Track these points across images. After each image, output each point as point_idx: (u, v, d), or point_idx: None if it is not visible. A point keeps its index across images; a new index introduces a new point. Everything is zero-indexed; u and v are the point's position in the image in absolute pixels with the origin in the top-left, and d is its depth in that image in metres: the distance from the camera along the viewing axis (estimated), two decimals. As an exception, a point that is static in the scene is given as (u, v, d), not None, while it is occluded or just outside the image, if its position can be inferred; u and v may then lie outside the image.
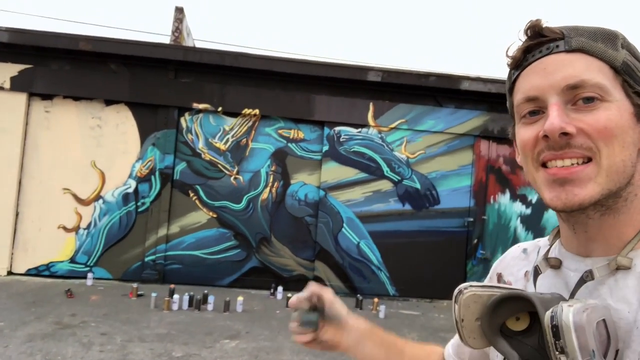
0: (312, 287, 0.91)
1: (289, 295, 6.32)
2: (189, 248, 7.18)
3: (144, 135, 7.22)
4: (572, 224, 0.64)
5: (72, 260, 6.99)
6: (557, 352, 0.51)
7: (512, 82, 0.68)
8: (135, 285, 6.22)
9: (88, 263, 7.00)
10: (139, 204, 7.13)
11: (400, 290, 7.32)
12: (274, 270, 7.23)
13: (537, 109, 0.63)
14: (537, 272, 0.68)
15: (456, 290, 0.64)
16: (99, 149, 7.15)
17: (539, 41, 0.63)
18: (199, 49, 8.36)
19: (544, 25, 0.63)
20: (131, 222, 7.11)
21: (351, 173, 7.46)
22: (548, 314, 0.53)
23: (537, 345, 0.58)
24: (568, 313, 0.50)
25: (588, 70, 0.59)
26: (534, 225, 7.56)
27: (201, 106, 7.25)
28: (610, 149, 0.58)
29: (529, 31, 0.64)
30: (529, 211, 7.58)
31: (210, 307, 5.84)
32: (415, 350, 0.94)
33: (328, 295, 0.92)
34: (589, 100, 0.59)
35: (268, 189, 7.35)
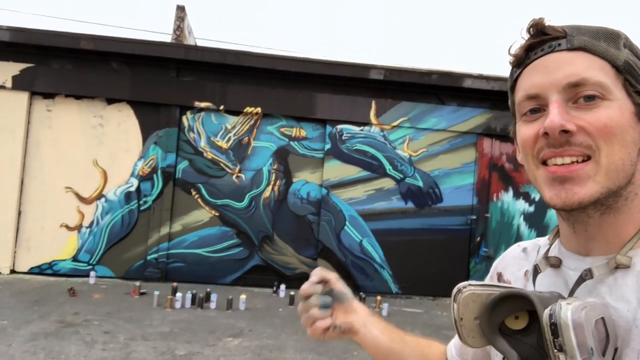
0: (319, 272, 0.92)
1: (292, 293, 6.32)
2: (192, 246, 7.18)
3: (145, 133, 7.22)
4: (572, 223, 0.64)
5: (75, 258, 7.00)
6: (555, 350, 0.51)
7: (514, 80, 0.68)
8: (137, 283, 6.22)
9: (90, 261, 7.00)
10: (141, 202, 7.13)
11: (403, 288, 7.31)
12: (276, 269, 7.22)
13: (538, 107, 0.63)
14: (536, 271, 0.68)
15: (455, 289, 0.63)
16: (100, 148, 7.15)
17: (542, 39, 0.63)
18: (201, 48, 8.36)
19: (546, 24, 0.63)
20: (133, 221, 7.11)
21: (353, 171, 7.44)
22: (546, 311, 0.53)
23: (536, 344, 0.58)
24: (567, 311, 0.50)
25: (590, 68, 0.60)
26: (537, 223, 7.54)
27: (203, 105, 7.24)
28: (609, 148, 0.58)
29: (531, 29, 0.64)
30: (532, 209, 7.56)
31: (213, 305, 5.84)
32: (416, 340, 0.95)
33: (332, 276, 0.93)
34: (590, 98, 0.59)
35: (270, 187, 7.34)
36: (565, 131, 0.59)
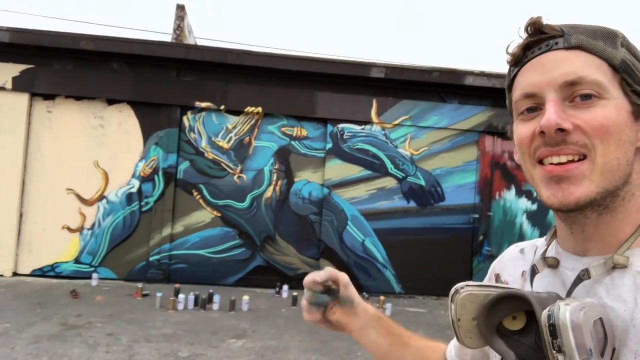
0: (329, 271, 0.92)
1: (294, 293, 6.31)
2: (194, 247, 7.16)
3: (146, 134, 7.20)
4: (570, 224, 0.64)
5: (77, 260, 6.98)
6: (554, 351, 0.51)
7: (512, 79, 0.68)
8: (140, 285, 6.20)
9: (92, 263, 6.99)
10: (142, 203, 7.11)
11: (406, 288, 7.29)
12: (278, 269, 7.21)
13: (535, 106, 0.63)
14: (534, 271, 0.68)
15: (452, 290, 0.64)
16: (101, 149, 7.12)
17: (539, 38, 0.63)
18: (201, 47, 8.33)
19: (544, 23, 0.63)
20: (135, 222, 7.09)
21: (355, 170, 7.42)
22: (545, 312, 0.52)
23: (534, 344, 0.58)
24: (565, 312, 0.50)
25: (586, 67, 0.60)
26: (540, 221, 7.52)
27: (203, 104, 7.21)
28: (605, 147, 0.58)
29: (529, 28, 0.64)
30: (534, 207, 7.54)
31: (215, 306, 5.82)
32: (420, 344, 0.95)
33: (343, 279, 0.93)
34: (587, 97, 0.59)
35: (272, 187, 7.32)
36: (562, 130, 0.59)
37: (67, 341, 4.37)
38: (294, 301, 6.20)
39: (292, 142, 7.41)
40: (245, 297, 5.91)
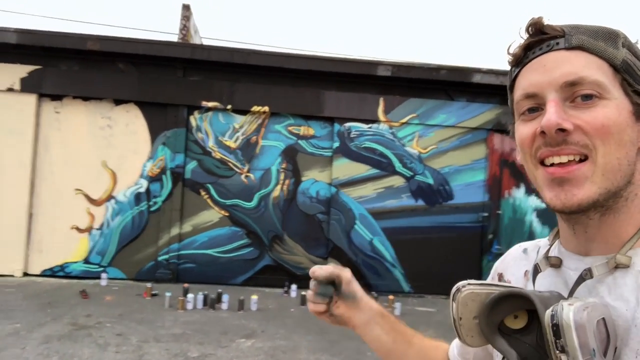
0: (332, 267, 0.92)
1: (303, 293, 6.29)
2: (202, 247, 7.16)
3: (154, 134, 7.21)
4: (573, 225, 0.64)
5: (86, 260, 7.01)
6: (557, 351, 0.51)
7: (513, 79, 0.68)
8: (149, 285, 6.21)
9: (102, 263, 7.01)
10: (150, 203, 7.12)
11: (415, 287, 7.25)
12: (287, 268, 7.19)
13: (536, 106, 0.63)
14: (536, 270, 0.68)
15: (454, 289, 0.64)
16: (109, 149, 7.14)
17: (540, 38, 0.63)
18: (207, 47, 8.32)
19: (545, 23, 0.63)
20: (144, 222, 7.11)
21: (362, 169, 7.39)
22: (548, 312, 0.52)
23: (536, 343, 0.58)
24: (569, 312, 0.50)
25: (587, 67, 0.60)
26: (550, 219, 7.46)
27: (210, 104, 7.21)
28: (606, 147, 0.58)
29: (530, 28, 0.64)
30: (544, 205, 7.45)
31: (224, 306, 5.82)
32: (424, 342, 0.95)
33: (346, 274, 0.93)
34: (587, 97, 0.59)
35: (279, 186, 7.31)
36: (562, 130, 0.59)
37: (77, 341, 4.37)
38: (303, 300, 6.19)
39: (299, 141, 7.39)
40: (254, 297, 5.90)
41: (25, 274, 6.90)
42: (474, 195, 7.48)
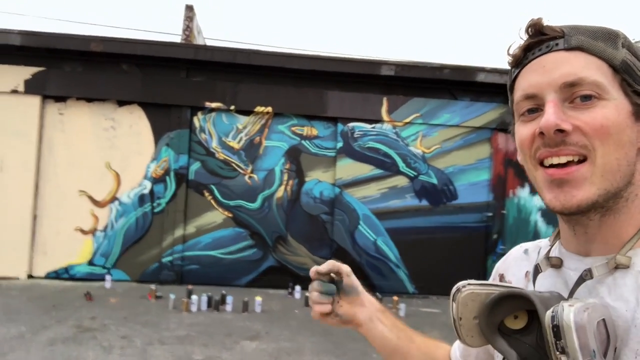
0: (331, 263, 0.92)
1: (307, 294, 6.27)
2: (206, 248, 7.16)
3: (157, 135, 7.20)
4: (573, 225, 0.64)
5: (91, 262, 7.01)
6: (557, 352, 0.51)
7: (513, 80, 0.69)
8: (153, 287, 6.21)
9: (106, 265, 7.01)
10: (154, 204, 7.12)
11: (420, 288, 7.23)
12: (291, 269, 7.18)
13: (536, 107, 0.63)
14: (537, 270, 0.68)
15: (454, 289, 0.64)
16: (113, 150, 7.15)
17: (540, 39, 0.63)
18: (210, 47, 8.31)
19: (544, 24, 0.63)
20: (147, 223, 7.11)
21: (366, 169, 7.37)
22: (549, 313, 0.52)
23: (535, 343, 0.58)
24: (569, 313, 0.50)
25: (586, 68, 0.60)
26: (555, 219, 7.25)
27: (214, 105, 7.20)
28: (605, 148, 0.58)
29: (529, 29, 0.64)
30: (548, 205, 7.42)
31: (228, 307, 5.82)
32: (425, 341, 0.95)
33: (346, 269, 0.93)
34: (587, 98, 0.59)
35: (283, 187, 7.30)
36: (561, 130, 0.59)
37: (82, 344, 4.38)
38: (307, 302, 6.17)
39: (303, 142, 7.37)
40: (258, 298, 5.89)
41: (30, 277, 6.91)
42: (478, 195, 7.45)
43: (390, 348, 0.93)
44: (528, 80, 0.63)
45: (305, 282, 6.92)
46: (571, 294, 0.61)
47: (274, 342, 4.75)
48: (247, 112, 7.30)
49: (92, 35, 7.04)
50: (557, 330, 0.51)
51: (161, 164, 7.16)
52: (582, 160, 0.59)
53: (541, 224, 7.43)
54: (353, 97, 7.34)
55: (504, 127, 7.45)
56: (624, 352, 0.55)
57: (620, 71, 0.60)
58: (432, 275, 7.16)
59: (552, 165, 0.61)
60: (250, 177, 7.27)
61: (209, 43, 11.39)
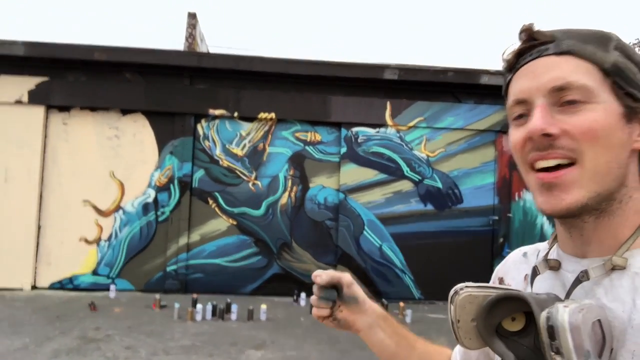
0: (331, 274, 0.94)
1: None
2: (210, 256, 7.13)
3: (161, 143, 7.20)
4: (568, 228, 0.65)
5: (95, 272, 7.00)
6: (552, 353, 0.51)
7: (507, 85, 0.69)
8: (157, 296, 6.18)
9: (110, 275, 6.99)
10: (158, 213, 7.11)
11: (426, 294, 7.16)
12: (296, 277, 7.13)
13: (526, 112, 0.64)
14: (535, 273, 0.68)
15: (452, 291, 0.65)
16: (117, 159, 7.15)
17: (531, 44, 0.64)
18: (213, 55, 8.32)
19: (535, 29, 0.64)
20: (152, 232, 7.09)
21: (370, 174, 7.33)
22: (544, 314, 0.53)
23: (533, 345, 0.58)
24: (564, 313, 0.50)
25: (575, 72, 0.60)
26: (562, 222, 7.33)
27: (217, 112, 7.19)
28: (594, 151, 0.59)
29: (522, 35, 0.65)
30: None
31: (233, 316, 5.78)
32: (427, 347, 0.95)
33: (347, 278, 0.95)
34: (574, 102, 0.60)
35: (287, 193, 7.26)
36: (548, 135, 0.59)
37: (86, 355, 4.36)
38: (312, 308, 6.12)
39: (307, 147, 7.34)
40: (263, 306, 5.85)
41: (34, 287, 6.90)
42: (483, 198, 7.38)
43: (389, 354, 0.93)
44: (519, 86, 0.64)
45: (310, 289, 6.82)
46: (568, 295, 0.61)
47: (280, 350, 4.71)
48: (250, 119, 7.28)
49: (96, 45, 7.06)
50: (552, 330, 0.51)
51: (165, 172, 7.15)
52: (572, 163, 0.60)
53: (547, 227, 7.35)
54: (356, 102, 7.31)
55: (508, 129, 7.38)
56: (620, 353, 0.55)
57: (611, 74, 0.60)
58: (438, 281, 7.08)
59: (542, 169, 0.61)
60: (254, 184, 7.25)
61: (211, 50, 11.41)
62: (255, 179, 7.25)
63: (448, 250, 7.21)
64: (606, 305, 0.58)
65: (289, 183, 7.28)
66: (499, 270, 0.84)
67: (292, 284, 7.01)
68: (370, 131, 7.37)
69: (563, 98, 0.60)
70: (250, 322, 5.66)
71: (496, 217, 7.33)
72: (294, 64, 7.33)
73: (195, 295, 6.07)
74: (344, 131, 7.33)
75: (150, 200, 7.12)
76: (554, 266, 0.67)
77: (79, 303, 6.17)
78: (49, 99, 7.04)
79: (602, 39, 0.62)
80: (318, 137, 7.38)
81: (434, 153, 7.41)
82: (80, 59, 6.99)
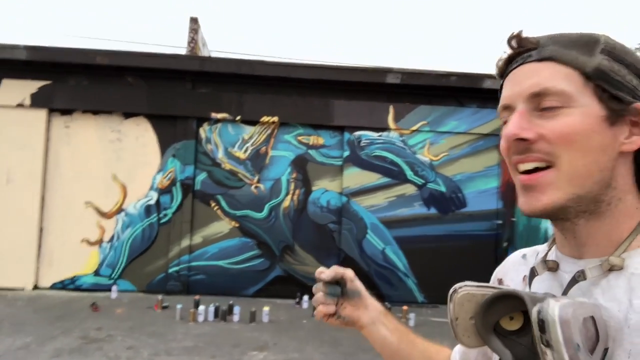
0: (334, 269, 0.95)
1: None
2: (213, 258, 7.11)
3: (163, 146, 7.21)
4: (561, 230, 0.66)
5: (97, 273, 6.98)
6: (543, 346, 0.52)
7: (500, 91, 0.71)
8: (160, 297, 6.15)
9: (112, 276, 6.97)
10: (161, 215, 7.09)
11: (429, 297, 7.11)
12: (298, 279, 7.10)
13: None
14: (533, 273, 0.69)
15: (451, 289, 0.65)
16: (119, 162, 7.15)
17: (518, 51, 0.66)
18: (215, 59, 8.36)
19: (522, 36, 0.65)
20: (154, 234, 7.08)
21: (373, 178, 7.32)
22: (535, 308, 0.53)
23: (531, 344, 0.58)
24: (554, 307, 0.51)
25: (553, 78, 0.61)
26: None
27: (219, 116, 7.20)
28: (570, 154, 0.60)
29: (511, 42, 0.66)
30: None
31: (236, 317, 5.74)
32: (427, 344, 0.96)
33: (350, 273, 0.96)
34: (552, 107, 0.61)
35: (289, 196, 7.25)
36: (524, 139, 0.61)
37: (87, 355, 4.32)
38: (315, 310, 6.08)
39: (309, 151, 7.34)
40: (266, 308, 5.81)
41: (36, 287, 6.88)
42: (487, 202, 7.36)
43: (392, 350, 0.94)
44: (505, 92, 0.66)
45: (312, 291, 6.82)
46: (564, 294, 0.61)
47: (282, 352, 4.67)
48: (253, 122, 7.29)
49: (98, 49, 7.10)
50: (543, 324, 0.51)
51: (167, 175, 7.15)
52: (550, 166, 0.61)
53: (551, 231, 7.29)
54: (359, 106, 7.32)
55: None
56: (617, 353, 0.55)
57: (593, 78, 0.60)
58: (441, 284, 6.99)
59: (524, 172, 0.63)
60: (256, 187, 7.24)
61: (214, 55, 11.47)
62: (258, 182, 7.24)
63: (451, 254, 7.17)
64: (603, 304, 0.58)
65: (292, 186, 7.27)
66: (498, 271, 0.84)
67: (295, 286, 6.97)
68: (373, 135, 7.38)
69: (541, 104, 0.61)
70: (253, 324, 5.62)
71: (500, 221, 7.30)
72: (296, 68, 7.36)
73: (197, 297, 6.04)
74: (346, 135, 7.33)
75: (152, 202, 7.12)
76: (552, 267, 0.68)
77: (80, 303, 6.14)
78: (51, 103, 7.06)
79: (588, 43, 0.63)
80: (321, 141, 7.38)
81: (437, 157, 7.41)
82: (82, 63, 7.02)
